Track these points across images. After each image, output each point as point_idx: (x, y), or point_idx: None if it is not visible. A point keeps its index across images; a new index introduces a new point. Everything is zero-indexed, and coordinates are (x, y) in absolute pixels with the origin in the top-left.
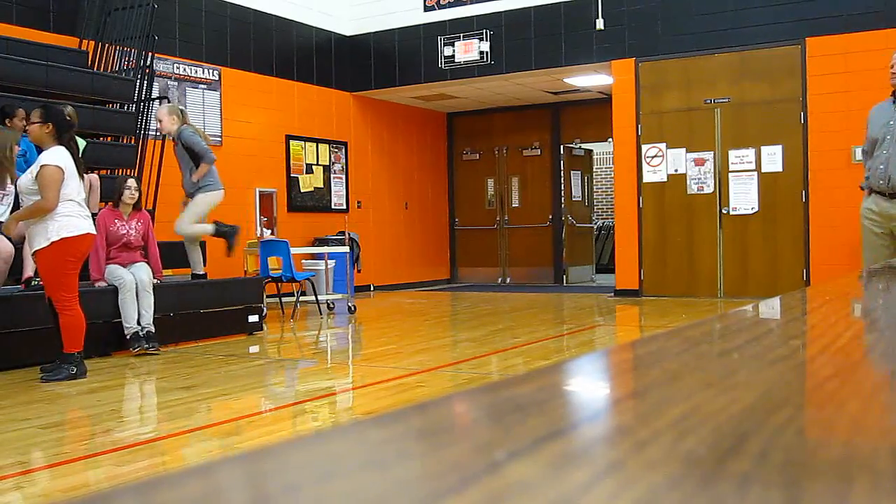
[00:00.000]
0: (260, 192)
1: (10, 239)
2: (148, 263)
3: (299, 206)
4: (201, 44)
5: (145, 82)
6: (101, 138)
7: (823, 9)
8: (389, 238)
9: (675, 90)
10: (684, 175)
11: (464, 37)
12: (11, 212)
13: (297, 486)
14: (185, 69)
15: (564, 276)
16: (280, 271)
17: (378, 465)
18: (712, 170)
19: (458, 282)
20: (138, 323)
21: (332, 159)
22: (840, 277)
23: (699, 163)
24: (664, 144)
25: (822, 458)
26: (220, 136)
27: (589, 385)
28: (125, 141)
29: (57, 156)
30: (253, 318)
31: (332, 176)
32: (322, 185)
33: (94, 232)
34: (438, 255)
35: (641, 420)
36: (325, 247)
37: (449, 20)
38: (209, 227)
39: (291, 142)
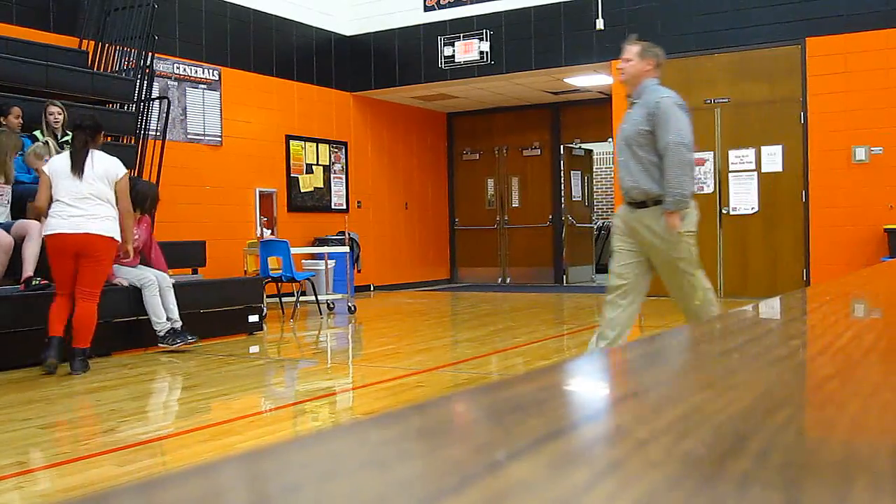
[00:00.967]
0: (260, 192)
1: (8, 231)
2: (150, 266)
3: (299, 206)
4: (201, 44)
5: (145, 82)
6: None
7: (823, 9)
8: (389, 238)
9: (675, 90)
10: None
11: (464, 37)
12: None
13: (297, 486)
14: (185, 69)
15: (564, 276)
16: (280, 271)
17: (378, 465)
18: (712, 170)
19: (458, 282)
20: (168, 319)
21: (332, 159)
22: (840, 277)
23: (699, 163)
24: None
25: (822, 458)
26: (220, 136)
27: (589, 385)
28: (125, 141)
29: (50, 161)
30: (253, 318)
31: (332, 176)
32: (322, 185)
33: (68, 231)
34: (438, 255)
35: (641, 420)
36: (325, 247)
37: (449, 20)
38: None
39: (291, 142)
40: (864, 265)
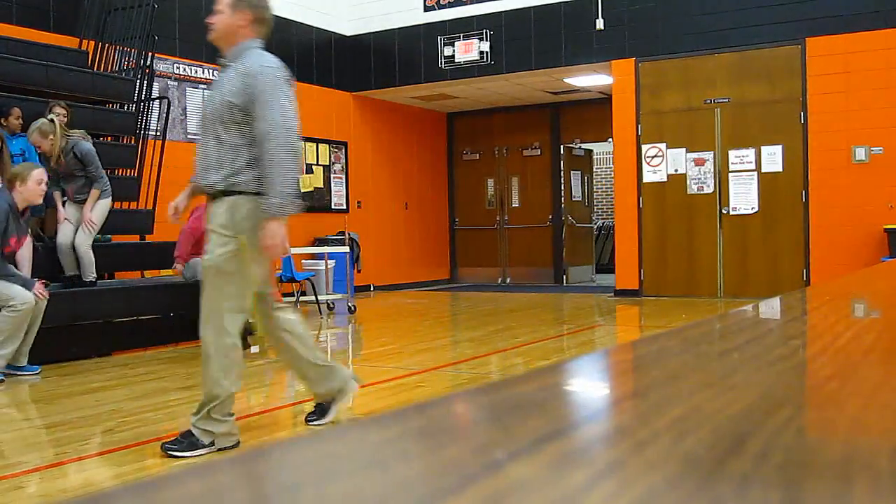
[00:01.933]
0: None
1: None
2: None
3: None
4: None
5: (145, 82)
6: (101, 138)
7: (823, 9)
8: (389, 238)
9: (675, 90)
10: (684, 175)
11: (464, 37)
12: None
13: (297, 486)
14: (185, 69)
15: (564, 276)
16: (280, 271)
17: (378, 465)
18: (712, 170)
19: (458, 282)
20: None
21: (332, 159)
22: (840, 277)
23: (699, 163)
24: (664, 144)
25: (822, 458)
26: None
27: (589, 385)
28: (125, 141)
29: None
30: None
31: (332, 176)
32: (322, 185)
33: None
34: (438, 255)
35: (641, 420)
36: (325, 247)
37: (449, 20)
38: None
39: None
40: (864, 265)
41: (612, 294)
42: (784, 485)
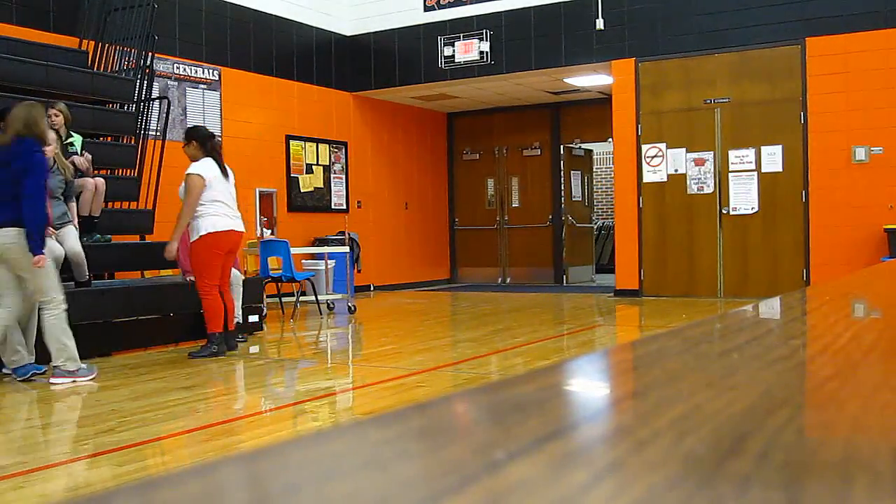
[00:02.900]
0: (260, 192)
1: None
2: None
3: (299, 206)
4: (201, 44)
5: (145, 82)
6: (101, 138)
7: (823, 9)
8: (389, 238)
9: (675, 90)
10: (684, 175)
11: (464, 37)
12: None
13: (297, 486)
14: (185, 69)
15: (564, 276)
16: (280, 271)
17: (378, 465)
18: (712, 170)
19: (458, 282)
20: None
21: (332, 159)
22: (840, 277)
23: (699, 163)
24: (664, 144)
25: (822, 458)
26: (220, 137)
27: (589, 385)
28: (125, 141)
29: (201, 166)
30: (253, 318)
31: (332, 176)
32: (322, 185)
33: (239, 230)
34: (438, 255)
35: (641, 420)
36: (325, 247)
37: (449, 20)
38: None
39: (291, 142)
40: (864, 265)
41: (612, 294)
42: (784, 485)
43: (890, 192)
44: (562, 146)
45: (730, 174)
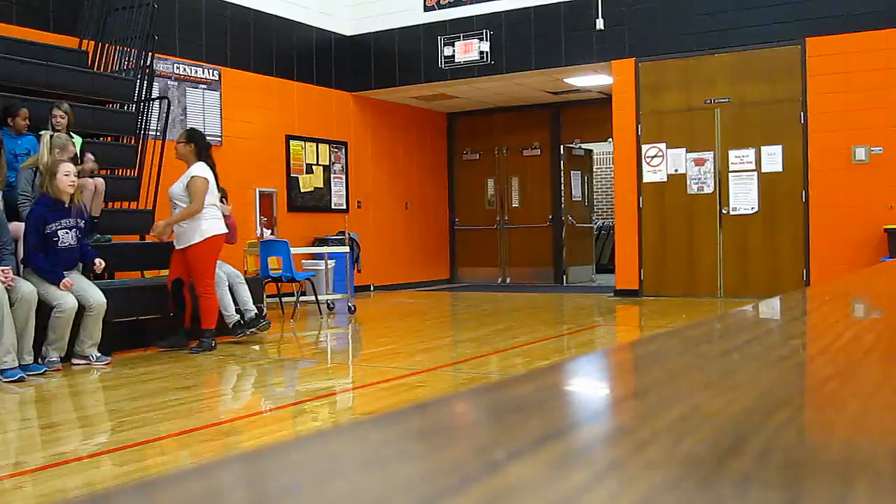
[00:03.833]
0: (260, 192)
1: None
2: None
3: (299, 206)
4: (201, 44)
5: (145, 82)
6: (101, 138)
7: (823, 9)
8: (389, 238)
9: (675, 90)
10: (684, 175)
11: (464, 37)
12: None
13: (297, 486)
14: (185, 69)
15: (564, 276)
16: (280, 271)
17: (378, 465)
18: (712, 170)
19: (458, 282)
20: (238, 312)
21: (332, 159)
22: (840, 277)
23: (699, 163)
24: (664, 144)
25: (822, 458)
26: (220, 136)
27: (589, 385)
28: (125, 141)
29: (204, 169)
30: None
31: (332, 176)
32: (322, 185)
33: (227, 231)
34: (438, 255)
35: (641, 420)
36: (325, 247)
37: (449, 20)
38: None
39: (291, 142)
40: (864, 265)
41: (612, 294)
42: (784, 485)
43: (890, 192)
44: (562, 146)
45: (730, 174)
